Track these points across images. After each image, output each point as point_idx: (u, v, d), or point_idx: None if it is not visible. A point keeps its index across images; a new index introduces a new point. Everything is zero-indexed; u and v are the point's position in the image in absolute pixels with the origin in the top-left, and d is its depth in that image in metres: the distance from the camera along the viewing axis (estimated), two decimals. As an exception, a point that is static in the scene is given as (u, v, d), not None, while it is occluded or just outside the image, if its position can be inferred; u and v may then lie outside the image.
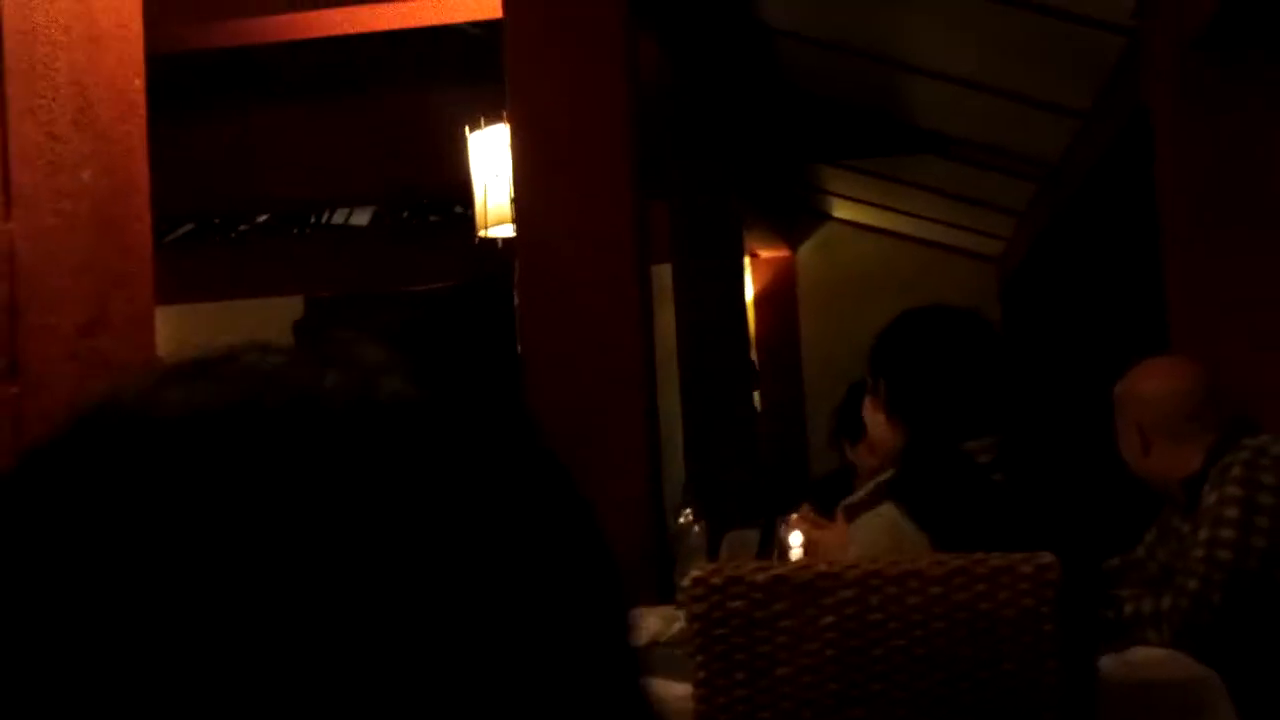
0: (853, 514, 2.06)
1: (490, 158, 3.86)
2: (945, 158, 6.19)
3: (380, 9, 3.85)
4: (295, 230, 8.59)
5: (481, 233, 3.87)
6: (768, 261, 8.72)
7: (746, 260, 7.85)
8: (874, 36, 5.18)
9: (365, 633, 0.36)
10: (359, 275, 8.05)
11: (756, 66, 5.86)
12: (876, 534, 1.90)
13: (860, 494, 2.05)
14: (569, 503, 0.45)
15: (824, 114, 6.28)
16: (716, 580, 1.70)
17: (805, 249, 8.82)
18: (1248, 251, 3.33)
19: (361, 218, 8.52)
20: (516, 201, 3.68)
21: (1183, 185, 3.50)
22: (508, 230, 3.81)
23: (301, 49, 5.42)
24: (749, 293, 8.13)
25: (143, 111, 1.31)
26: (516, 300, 3.63)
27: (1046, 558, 1.70)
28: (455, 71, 5.78)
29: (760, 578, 1.70)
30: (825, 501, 2.88)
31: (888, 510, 1.91)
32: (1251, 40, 3.22)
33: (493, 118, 3.88)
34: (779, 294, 8.65)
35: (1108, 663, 2.01)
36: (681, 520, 3.06)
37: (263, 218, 8.44)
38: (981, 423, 1.96)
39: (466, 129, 3.93)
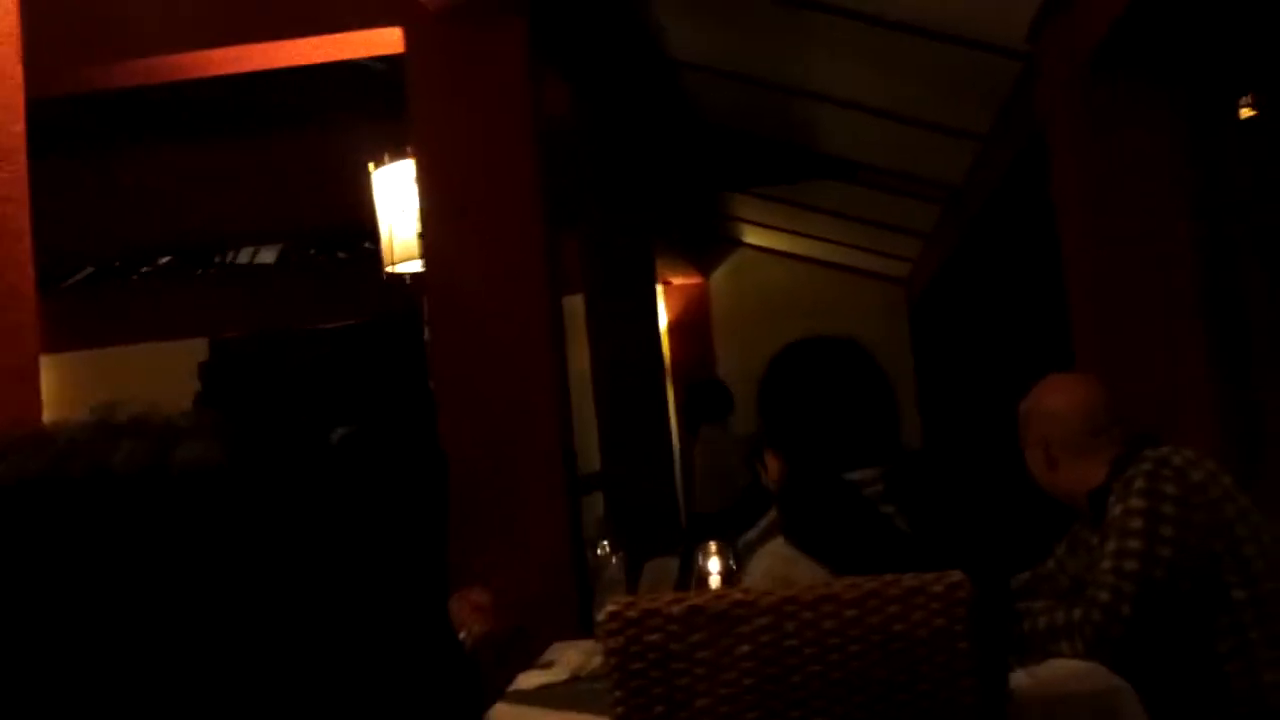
0: (748, 551, 2.05)
1: (395, 193, 3.83)
2: (851, 182, 6.28)
3: (280, 46, 3.81)
4: (200, 271, 8.42)
5: (388, 268, 3.83)
6: (680, 289, 8.76)
7: (659, 288, 7.88)
8: (777, 67, 5.24)
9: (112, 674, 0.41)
10: (267, 314, 7.92)
11: (663, 98, 5.90)
12: (771, 569, 1.89)
13: (754, 532, 2.04)
14: (358, 569, 0.47)
15: (731, 143, 6.35)
16: (632, 613, 1.69)
17: (718, 275, 8.89)
18: (1144, 266, 3.41)
19: (268, 256, 8.39)
20: (424, 236, 3.65)
21: (1078, 203, 3.59)
22: (415, 266, 3.78)
23: (202, 86, 5.34)
24: (663, 320, 8.16)
25: (22, 157, 1.27)
26: (428, 335, 3.60)
27: (956, 576, 1.71)
28: (360, 107, 5.73)
29: (676, 609, 1.69)
30: (740, 527, 2.90)
31: (779, 546, 1.90)
32: (1139, 62, 3.32)
33: (396, 154, 3.85)
34: (693, 321, 8.70)
35: (1022, 676, 2.02)
36: (600, 552, 3.04)
37: (165, 259, 8.27)
38: (861, 453, 1.95)
39: (370, 165, 3.89)
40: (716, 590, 2.09)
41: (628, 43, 5.19)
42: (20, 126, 1.27)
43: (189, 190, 6.48)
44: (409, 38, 3.62)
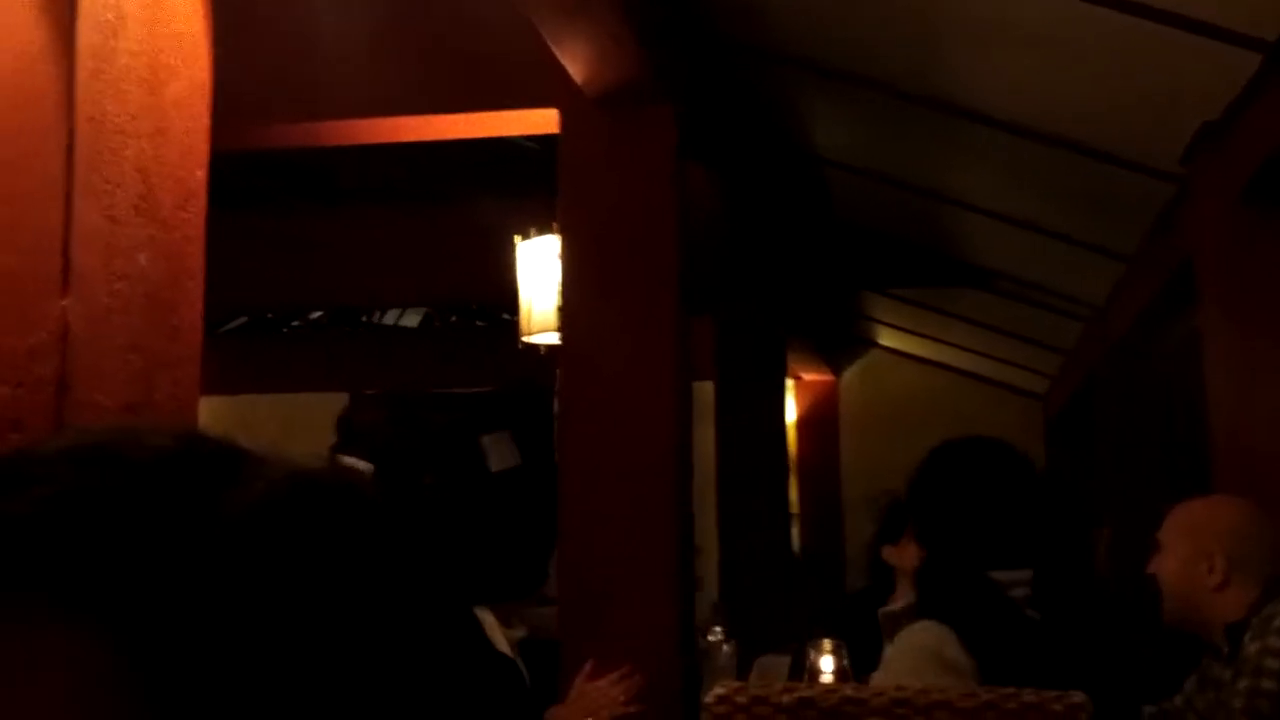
0: (890, 623, 2.05)
1: (538, 267, 3.92)
2: (990, 292, 6.21)
3: (445, 119, 3.97)
4: (346, 328, 8.71)
5: (525, 338, 3.92)
6: (810, 384, 8.72)
7: (789, 382, 7.86)
8: (921, 170, 5.25)
9: None
10: (406, 375, 8.13)
11: (805, 194, 5.95)
12: (924, 644, 1.89)
13: (898, 604, 2.05)
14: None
15: (871, 243, 6.35)
16: (741, 699, 1.68)
17: (849, 374, 8.82)
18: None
19: (412, 319, 8.65)
20: (563, 310, 3.73)
21: (1225, 336, 3.48)
22: (551, 338, 3.86)
23: (365, 155, 5.57)
24: (791, 414, 8.11)
25: (203, 201, 1.35)
26: (556, 407, 3.65)
27: (1078, 697, 1.66)
28: (510, 183, 5.90)
29: (785, 699, 1.67)
30: (858, 617, 2.85)
31: (933, 626, 1.90)
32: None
33: (543, 228, 3.95)
34: (821, 417, 8.63)
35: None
36: (711, 638, 3.02)
37: (316, 314, 8.58)
38: (1005, 553, 1.97)
39: (517, 238, 4.00)
40: (829, 684, 2.06)
41: (774, 136, 5.26)
42: (203, 172, 1.36)
43: (343, 251, 6.73)
44: (564, 119, 3.74)
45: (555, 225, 3.84)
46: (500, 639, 2.38)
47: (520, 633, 2.42)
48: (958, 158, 4.91)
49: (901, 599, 2.06)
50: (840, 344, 8.56)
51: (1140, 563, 2.64)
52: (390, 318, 8.65)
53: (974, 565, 1.97)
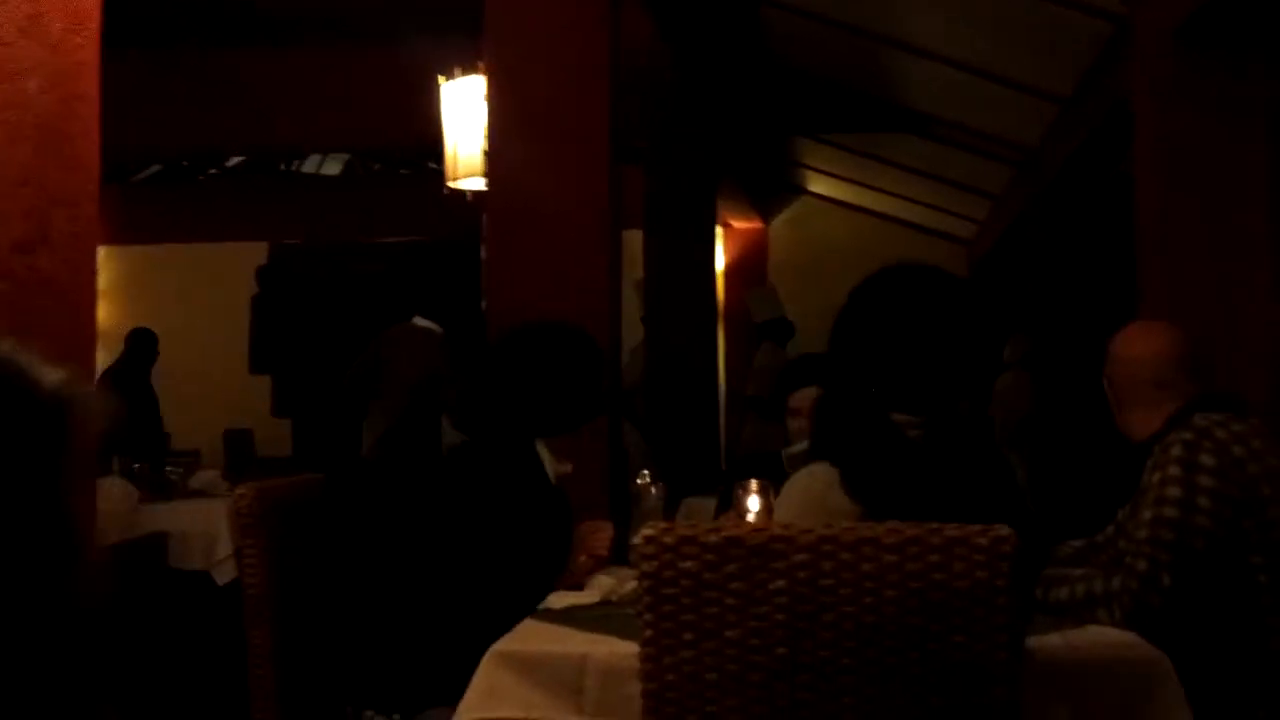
0: (794, 464, 2.06)
1: (462, 109, 3.80)
2: (923, 136, 6.17)
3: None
4: (265, 176, 8.49)
5: (450, 184, 3.81)
6: (740, 232, 8.70)
7: (719, 230, 7.82)
8: (859, 10, 5.14)
9: None
10: (328, 225, 7.97)
11: (739, 34, 5.81)
12: (808, 493, 1.90)
13: (800, 446, 2.05)
14: None
15: (804, 86, 6.25)
16: (669, 539, 1.67)
17: (779, 221, 8.80)
18: (1221, 248, 3.33)
19: (333, 167, 8.44)
20: (489, 155, 3.63)
21: (1157, 175, 3.49)
22: (477, 183, 3.76)
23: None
24: (720, 262, 8.10)
25: (97, 24, 1.26)
26: (484, 254, 3.58)
27: (1002, 530, 1.68)
28: (434, 21, 5.69)
29: (713, 538, 1.67)
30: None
31: (821, 470, 1.90)
32: (1231, 35, 3.21)
33: (467, 69, 3.81)
34: (750, 265, 8.64)
35: (1057, 640, 2.00)
36: (640, 482, 3.03)
37: (233, 162, 8.33)
38: (910, 397, 1.93)
39: (440, 78, 3.86)
40: (755, 523, 2.08)
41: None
42: (95, -8, 1.26)
43: (260, 95, 6.50)
44: (489, -48, 3.58)
45: (481, 65, 3.70)
46: (550, 471, 2.52)
47: (567, 468, 2.58)
48: (894, -3, 4.81)
49: (801, 444, 2.06)
50: (771, 191, 8.51)
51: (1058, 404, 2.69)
52: (310, 165, 8.43)
53: (876, 404, 1.93)
